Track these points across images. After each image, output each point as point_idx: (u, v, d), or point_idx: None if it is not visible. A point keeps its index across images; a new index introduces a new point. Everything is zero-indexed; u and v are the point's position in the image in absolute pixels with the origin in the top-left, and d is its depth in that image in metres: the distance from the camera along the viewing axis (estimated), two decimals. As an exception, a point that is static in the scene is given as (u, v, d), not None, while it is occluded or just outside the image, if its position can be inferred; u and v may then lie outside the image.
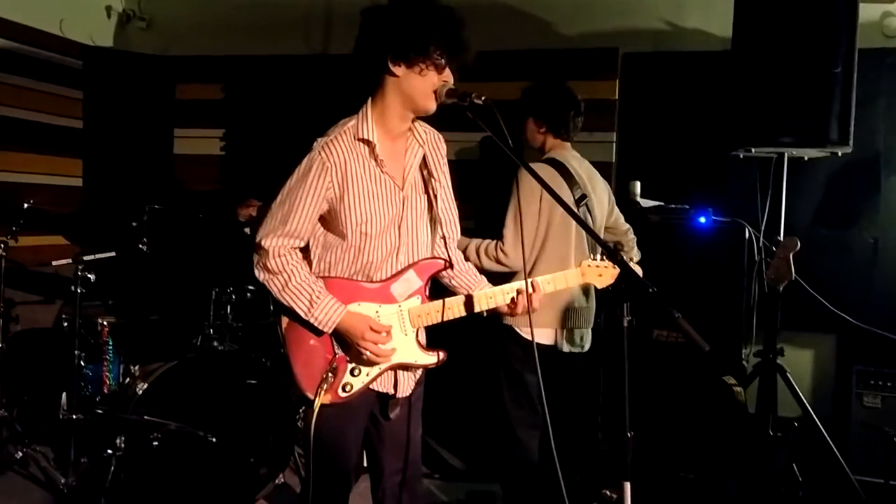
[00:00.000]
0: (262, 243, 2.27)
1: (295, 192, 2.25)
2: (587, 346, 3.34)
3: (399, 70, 2.21)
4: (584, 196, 3.22)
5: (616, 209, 3.53)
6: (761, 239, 3.71)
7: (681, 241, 3.83)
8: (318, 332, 2.29)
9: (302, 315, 2.24)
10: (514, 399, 3.25)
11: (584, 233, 3.24)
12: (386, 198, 2.30)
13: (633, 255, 3.50)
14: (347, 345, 2.30)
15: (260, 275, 2.30)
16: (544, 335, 3.17)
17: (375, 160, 2.28)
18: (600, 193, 3.39)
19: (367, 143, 2.27)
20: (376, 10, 2.25)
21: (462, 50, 2.23)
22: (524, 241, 3.09)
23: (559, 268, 3.09)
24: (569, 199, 3.16)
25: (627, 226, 3.55)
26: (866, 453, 3.75)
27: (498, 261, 3.12)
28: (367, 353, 2.26)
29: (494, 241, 3.17)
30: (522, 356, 3.16)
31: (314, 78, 4.94)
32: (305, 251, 2.35)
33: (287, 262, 2.27)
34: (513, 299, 2.35)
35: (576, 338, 3.26)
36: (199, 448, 3.38)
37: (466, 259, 3.11)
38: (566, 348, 3.23)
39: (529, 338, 3.07)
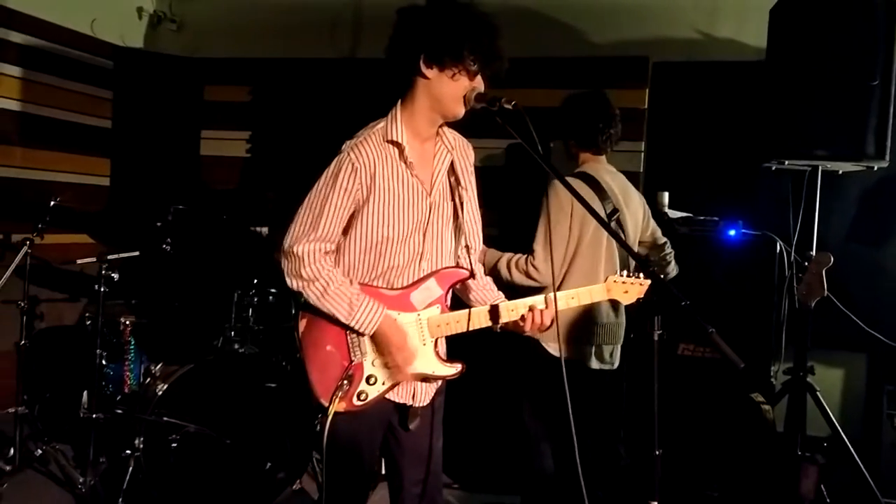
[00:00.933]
0: (295, 250, 2.21)
1: (324, 194, 2.22)
2: (616, 364, 3.29)
3: (431, 73, 2.19)
4: (615, 210, 3.16)
5: (653, 223, 3.47)
6: (793, 254, 3.66)
7: (709, 253, 3.77)
8: (335, 337, 2.26)
9: (343, 320, 2.21)
10: (534, 413, 3.21)
11: (614, 249, 3.20)
12: (413, 201, 2.27)
13: (670, 271, 3.44)
14: (365, 352, 2.26)
15: (294, 283, 2.23)
16: (572, 351, 3.12)
17: (405, 162, 2.25)
18: (634, 208, 3.33)
19: (397, 145, 2.24)
20: (413, 10, 2.22)
21: (496, 58, 2.20)
22: (553, 255, 3.06)
23: (586, 283, 3.06)
24: (601, 212, 3.10)
25: (665, 240, 3.49)
26: (896, 475, 3.67)
27: (528, 275, 3.07)
28: (397, 360, 2.23)
29: (525, 256, 3.11)
30: (547, 371, 3.12)
31: (341, 82, 4.95)
32: None
33: (323, 268, 2.22)
34: (523, 315, 2.30)
35: (605, 354, 3.22)
36: (218, 451, 3.37)
37: (496, 272, 3.09)
38: (595, 365, 3.18)
39: (556, 354, 3.06)
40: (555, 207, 3.05)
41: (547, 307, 2.29)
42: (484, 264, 3.19)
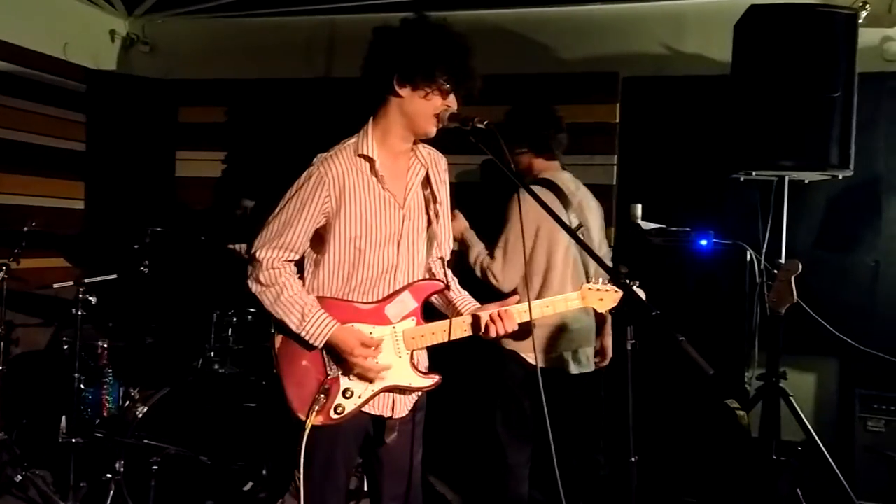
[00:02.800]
0: (257, 255, 2.27)
1: (291, 204, 2.26)
2: (592, 366, 3.33)
3: (404, 91, 2.23)
4: (580, 225, 3.22)
5: (603, 229, 3.51)
6: (763, 262, 3.71)
7: (682, 263, 3.82)
8: (310, 352, 2.27)
9: (293, 328, 2.23)
10: (506, 424, 3.23)
11: (579, 261, 3.23)
12: (385, 214, 2.29)
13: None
14: (340, 365, 2.28)
15: (252, 286, 2.30)
16: (553, 360, 3.16)
17: (376, 176, 2.28)
18: (595, 215, 3.38)
19: (368, 159, 2.28)
20: (388, 30, 2.26)
21: (468, 78, 2.24)
22: (514, 261, 3.10)
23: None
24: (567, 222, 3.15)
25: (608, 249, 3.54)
26: (870, 478, 3.73)
27: (486, 279, 3.13)
28: (358, 368, 2.25)
29: (486, 256, 3.19)
30: (524, 381, 3.14)
31: (317, 101, 4.97)
32: (299, 268, 2.34)
33: (279, 275, 2.26)
34: (486, 324, 2.28)
35: (581, 357, 3.25)
36: (200, 472, 3.35)
37: (468, 257, 3.13)
38: (574, 370, 3.22)
39: (534, 363, 3.08)
40: (516, 215, 3.08)
41: (504, 318, 2.27)
42: (465, 240, 3.22)
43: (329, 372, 2.28)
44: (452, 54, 2.20)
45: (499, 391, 3.25)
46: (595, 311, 2.78)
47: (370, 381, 2.29)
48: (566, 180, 3.30)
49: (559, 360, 3.19)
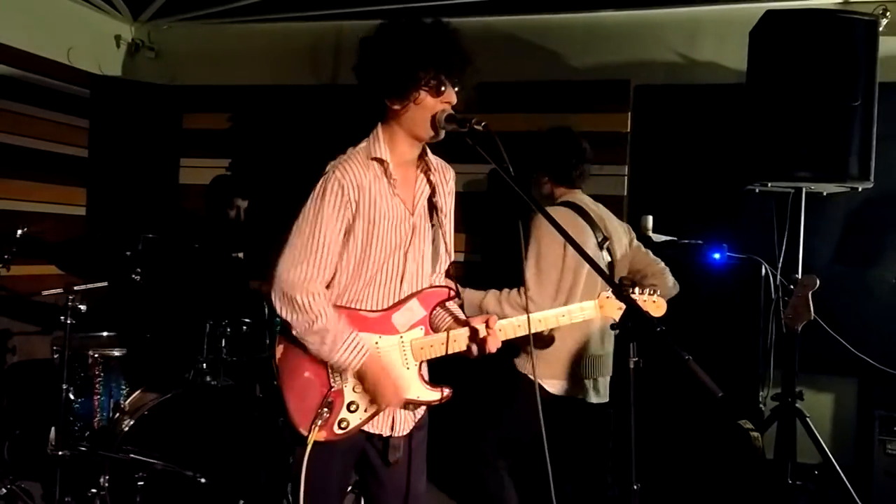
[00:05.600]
0: (288, 276, 2.14)
1: (314, 217, 2.15)
2: (608, 396, 3.27)
3: (397, 105, 2.16)
4: (605, 239, 3.18)
5: (642, 247, 3.44)
6: (778, 277, 3.65)
7: (694, 277, 3.71)
8: (313, 363, 2.19)
9: (324, 356, 2.16)
10: (500, 441, 3.15)
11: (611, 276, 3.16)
12: (396, 220, 2.22)
13: (671, 288, 3.36)
14: (345, 378, 2.20)
15: (283, 309, 2.16)
16: (577, 389, 3.10)
17: (388, 179, 2.21)
18: (620, 235, 3.32)
19: (381, 161, 2.21)
20: (366, 47, 2.19)
21: (451, 65, 2.14)
22: (548, 282, 3.02)
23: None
24: (592, 242, 3.10)
25: (660, 262, 3.42)
26: (890, 502, 3.63)
27: (525, 309, 3.00)
28: (382, 400, 2.17)
29: (517, 289, 3.03)
30: (535, 407, 3.05)
31: (322, 108, 4.94)
32: None
33: (314, 302, 2.13)
34: (477, 340, 2.23)
35: (600, 387, 3.20)
36: (187, 488, 3.27)
37: (485, 311, 3.02)
38: (594, 399, 3.16)
39: (552, 390, 3.05)
40: (545, 233, 3.01)
41: (489, 333, 2.22)
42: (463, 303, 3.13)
43: (333, 384, 2.20)
44: (429, 49, 2.11)
45: (505, 408, 3.16)
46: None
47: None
48: (587, 202, 3.26)
49: (580, 389, 3.13)
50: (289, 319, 2.15)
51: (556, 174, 3.27)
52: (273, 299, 2.18)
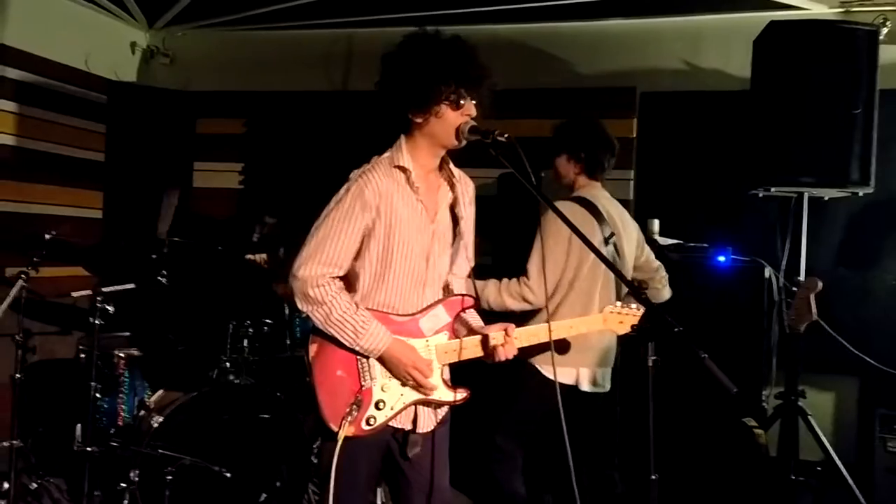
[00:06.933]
0: (298, 273, 2.25)
1: (333, 219, 2.25)
2: (608, 386, 3.31)
3: (419, 118, 2.26)
4: (612, 234, 3.19)
5: (647, 248, 3.50)
6: (781, 279, 3.69)
7: (700, 279, 3.80)
8: (346, 362, 2.28)
9: (347, 344, 2.25)
10: (509, 433, 3.21)
11: (611, 275, 3.22)
12: (418, 226, 2.31)
13: (665, 294, 3.46)
14: (374, 376, 2.29)
15: (301, 305, 2.28)
16: (565, 374, 3.12)
17: (411, 187, 2.30)
18: (630, 232, 3.36)
19: (404, 170, 2.30)
20: (387, 63, 2.27)
21: (470, 79, 2.23)
22: (548, 279, 3.08)
23: (582, 309, 3.09)
24: (599, 237, 3.14)
25: (658, 264, 3.51)
26: (891, 500, 3.68)
27: (524, 298, 3.09)
28: (412, 382, 2.27)
29: (516, 279, 3.13)
30: (539, 394, 3.13)
31: (334, 114, 5.00)
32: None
33: (327, 293, 2.24)
34: (494, 347, 2.35)
35: (598, 377, 3.23)
36: (214, 483, 3.34)
37: (486, 300, 3.11)
38: (587, 388, 3.20)
39: (551, 377, 3.06)
40: (552, 232, 3.06)
41: (507, 342, 2.34)
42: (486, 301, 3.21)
43: (363, 383, 2.29)
44: (449, 65, 2.20)
45: (512, 399, 3.22)
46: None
47: (402, 393, 2.31)
48: (601, 197, 3.29)
49: (571, 376, 3.17)
50: (308, 313, 2.27)
51: (588, 165, 3.28)
52: (294, 299, 2.30)
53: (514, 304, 3.09)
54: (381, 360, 2.29)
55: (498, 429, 3.24)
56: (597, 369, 3.22)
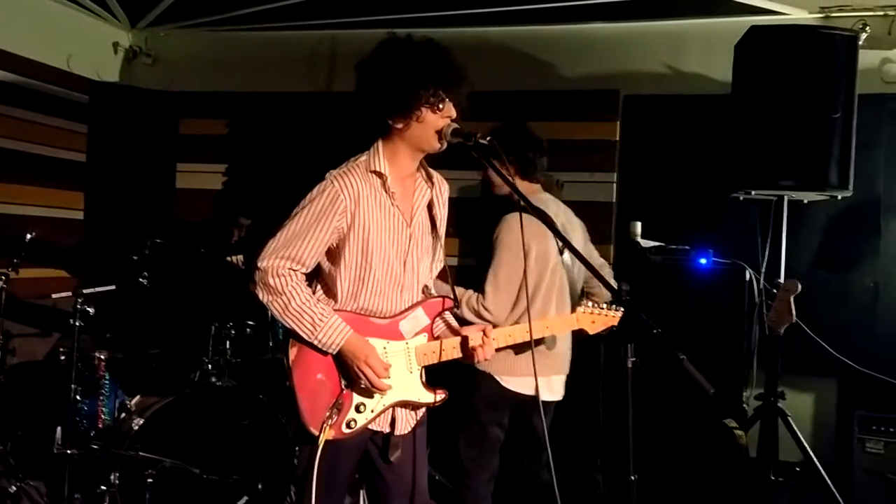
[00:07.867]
0: (261, 263, 2.24)
1: (302, 217, 2.24)
2: (562, 395, 3.29)
3: (400, 123, 2.25)
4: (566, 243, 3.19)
5: (590, 245, 3.49)
6: (762, 281, 3.71)
7: (681, 282, 3.82)
8: (326, 365, 2.28)
9: (305, 338, 2.23)
10: (471, 445, 3.19)
11: (565, 284, 3.22)
12: (394, 231, 2.31)
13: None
14: (351, 377, 2.28)
15: (261, 295, 2.27)
16: (525, 384, 3.09)
17: (387, 192, 2.30)
18: (578, 234, 3.36)
19: (379, 175, 2.29)
20: (364, 71, 2.27)
21: (448, 81, 2.23)
22: (510, 291, 3.05)
23: (547, 315, 3.07)
24: (553, 247, 3.14)
25: (602, 261, 3.52)
26: (869, 500, 3.71)
27: (479, 315, 3.04)
28: (365, 379, 2.25)
29: (476, 295, 3.09)
30: (495, 404, 3.12)
31: (318, 115, 4.99)
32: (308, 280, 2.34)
33: (287, 283, 2.23)
34: (473, 348, 2.37)
35: (554, 385, 3.23)
36: (195, 485, 3.33)
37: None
38: (547, 397, 3.18)
39: (509, 386, 3.08)
40: (510, 243, 3.04)
41: (485, 344, 2.37)
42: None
43: (343, 386, 2.29)
44: (426, 68, 2.20)
45: (467, 412, 3.19)
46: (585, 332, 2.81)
47: (381, 395, 2.30)
48: (546, 202, 3.26)
49: (530, 386, 3.09)
50: (265, 302, 2.26)
51: (518, 164, 3.21)
52: (251, 287, 2.28)
53: (472, 318, 3.05)
54: (339, 356, 2.27)
55: (458, 442, 3.21)
56: (554, 377, 3.22)
